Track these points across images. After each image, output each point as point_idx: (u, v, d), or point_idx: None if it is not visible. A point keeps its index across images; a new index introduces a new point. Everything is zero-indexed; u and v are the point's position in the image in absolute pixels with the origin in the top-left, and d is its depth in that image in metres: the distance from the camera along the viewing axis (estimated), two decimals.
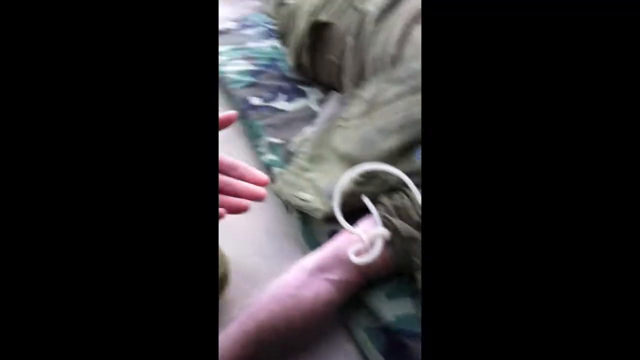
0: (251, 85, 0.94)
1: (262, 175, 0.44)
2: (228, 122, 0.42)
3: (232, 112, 0.42)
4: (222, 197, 0.43)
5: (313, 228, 0.64)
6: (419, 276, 0.53)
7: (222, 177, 0.44)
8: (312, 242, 0.64)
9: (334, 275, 0.54)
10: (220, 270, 0.60)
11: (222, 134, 0.97)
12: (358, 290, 0.55)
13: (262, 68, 0.99)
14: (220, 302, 0.61)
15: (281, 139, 0.79)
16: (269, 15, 1.21)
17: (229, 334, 0.49)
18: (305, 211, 0.64)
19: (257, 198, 0.43)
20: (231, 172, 0.44)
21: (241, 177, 0.44)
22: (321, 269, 0.54)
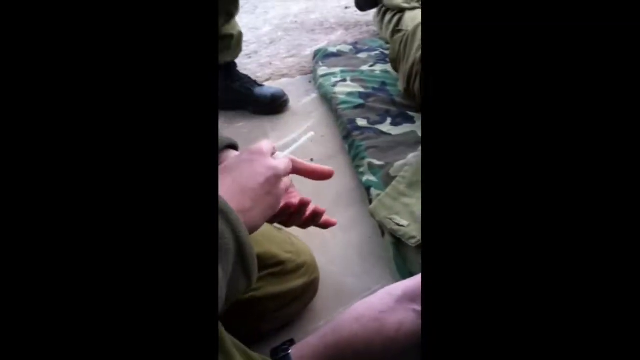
0: (359, 106, 0.96)
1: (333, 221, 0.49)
2: (325, 176, 0.47)
3: (331, 170, 0.46)
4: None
5: (406, 255, 0.63)
6: None
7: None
8: (404, 269, 0.63)
9: (421, 307, 0.52)
10: (312, 276, 0.62)
11: (328, 152, 1.01)
12: None
13: (372, 91, 1.02)
14: (306, 311, 0.63)
15: (383, 161, 0.80)
16: (384, 40, 1.24)
17: (310, 343, 0.51)
18: (398, 236, 0.63)
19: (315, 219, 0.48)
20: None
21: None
22: (409, 298, 0.53)
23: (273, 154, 0.43)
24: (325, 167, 0.46)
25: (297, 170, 0.45)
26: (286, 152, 0.45)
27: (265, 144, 0.42)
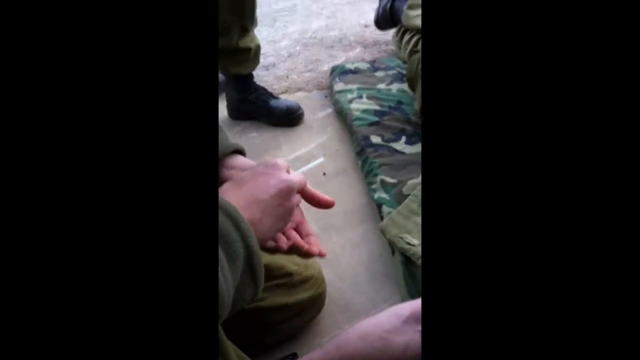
0: (374, 124, 0.97)
1: (322, 253, 0.49)
2: (326, 206, 0.48)
3: (332, 201, 0.48)
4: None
5: (416, 275, 0.62)
6: None
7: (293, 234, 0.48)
8: (413, 289, 0.62)
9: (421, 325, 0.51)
10: (319, 290, 0.61)
11: (341, 167, 1.01)
12: None
13: (387, 109, 1.02)
14: (312, 325, 0.62)
15: (395, 179, 0.80)
16: (402, 60, 1.25)
17: (313, 359, 0.50)
18: (408, 255, 0.62)
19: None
20: (302, 232, 0.48)
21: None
22: (417, 319, 0.52)
23: (288, 171, 0.44)
24: (328, 198, 0.48)
25: (303, 192, 0.46)
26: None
27: (280, 160, 0.44)
